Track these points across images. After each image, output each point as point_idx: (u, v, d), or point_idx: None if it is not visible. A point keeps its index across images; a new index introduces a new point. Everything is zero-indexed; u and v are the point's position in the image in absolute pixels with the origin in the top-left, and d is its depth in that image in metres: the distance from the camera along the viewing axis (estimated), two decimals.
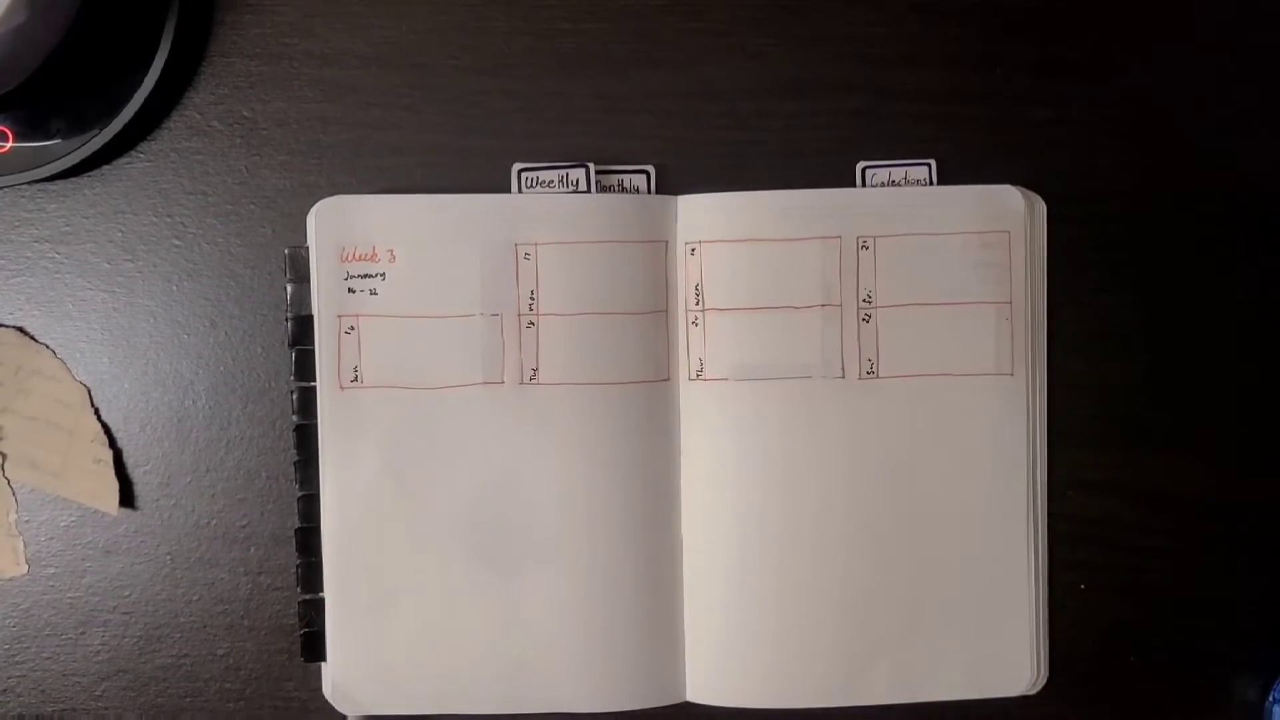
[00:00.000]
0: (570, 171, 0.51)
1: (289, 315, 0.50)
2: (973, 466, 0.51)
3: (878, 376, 0.51)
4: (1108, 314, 0.52)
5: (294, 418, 0.51)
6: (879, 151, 0.51)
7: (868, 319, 0.51)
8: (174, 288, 0.51)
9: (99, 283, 0.51)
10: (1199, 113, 0.52)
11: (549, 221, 0.50)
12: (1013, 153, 0.52)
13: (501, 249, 0.50)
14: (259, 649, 0.52)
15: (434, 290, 0.50)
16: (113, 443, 0.51)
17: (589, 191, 0.51)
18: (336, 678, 0.51)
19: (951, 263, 0.51)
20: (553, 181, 0.51)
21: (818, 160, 0.51)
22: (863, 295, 0.51)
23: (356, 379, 0.50)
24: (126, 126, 0.49)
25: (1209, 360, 0.52)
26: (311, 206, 0.50)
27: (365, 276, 0.50)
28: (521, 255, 0.50)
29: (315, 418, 0.50)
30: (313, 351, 0.50)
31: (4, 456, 0.50)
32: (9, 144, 0.49)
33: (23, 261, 0.51)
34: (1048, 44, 0.52)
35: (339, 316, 0.50)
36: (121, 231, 0.51)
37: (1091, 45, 0.52)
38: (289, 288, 0.50)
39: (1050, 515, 0.52)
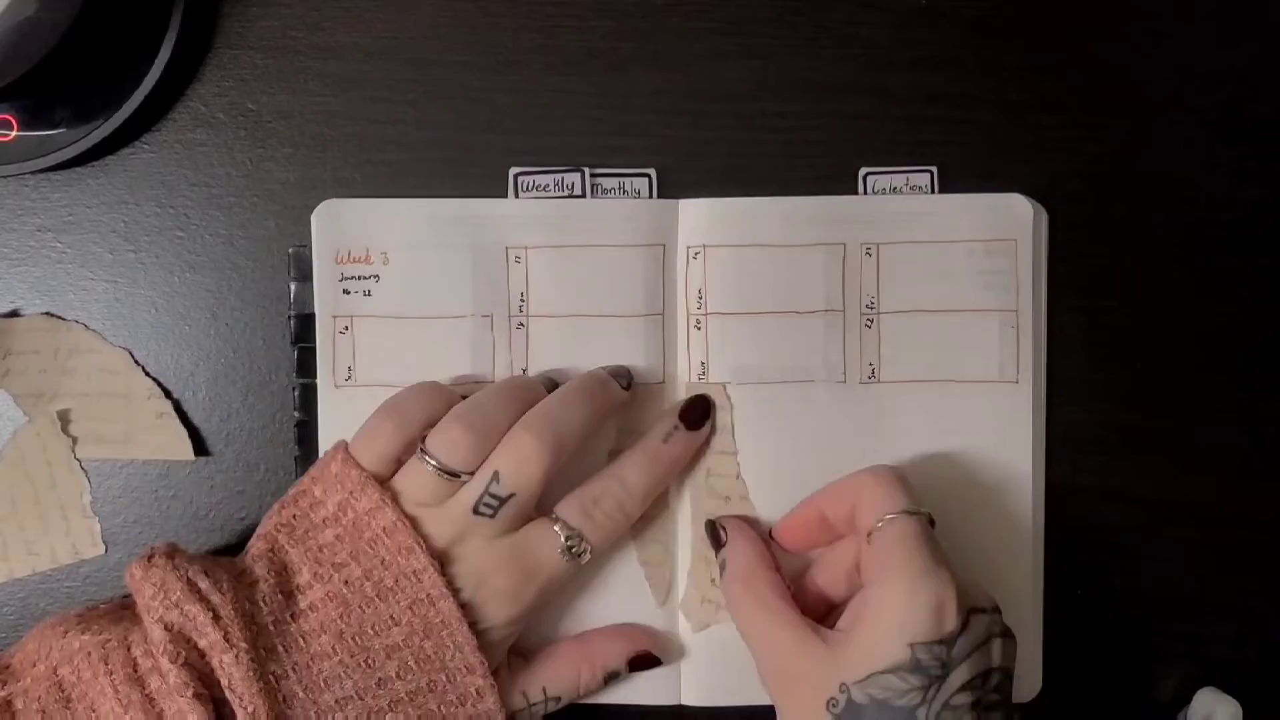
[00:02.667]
0: (565, 175, 0.51)
1: (291, 313, 0.50)
2: (974, 473, 0.51)
3: (880, 381, 0.51)
4: (1106, 319, 0.52)
5: (295, 414, 0.51)
6: (881, 155, 0.52)
7: (870, 324, 0.51)
8: (176, 279, 0.51)
9: (101, 273, 0.51)
10: (1204, 119, 0.52)
11: (540, 226, 0.50)
12: (1015, 158, 0.52)
13: (492, 252, 0.50)
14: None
15: (426, 292, 0.50)
16: (168, 394, 0.51)
17: (584, 195, 0.51)
18: None
19: (956, 270, 0.51)
20: (548, 185, 0.51)
21: (820, 162, 0.52)
22: (865, 301, 0.51)
23: (350, 378, 0.50)
24: (131, 117, 0.49)
25: (1207, 365, 0.53)
26: (315, 200, 0.50)
27: (359, 278, 0.50)
28: (512, 258, 0.50)
29: (316, 414, 0.50)
30: (314, 349, 0.50)
31: (74, 440, 0.50)
32: (13, 133, 0.49)
33: (25, 250, 0.51)
34: (1052, 50, 0.52)
35: (334, 317, 0.50)
36: (124, 222, 0.51)
37: (1095, 51, 0.52)
38: (292, 286, 0.50)
39: (1048, 521, 0.52)
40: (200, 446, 0.51)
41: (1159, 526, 0.53)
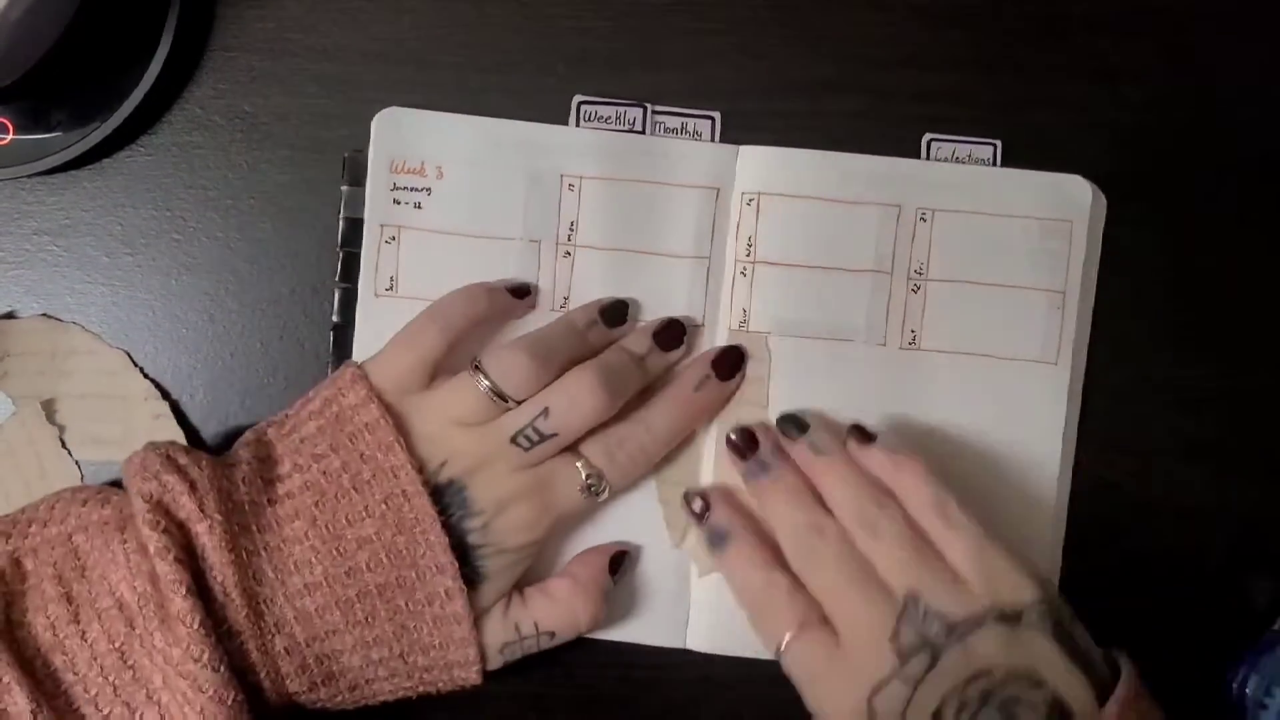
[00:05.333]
0: (628, 109, 0.51)
1: (341, 216, 0.51)
2: (1004, 449, 0.51)
3: (919, 348, 0.51)
4: (1108, 313, 0.52)
5: (333, 317, 0.51)
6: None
7: (917, 290, 0.51)
8: (173, 282, 0.51)
9: (98, 276, 0.51)
10: (1203, 120, 0.52)
11: (598, 156, 0.50)
12: (1013, 155, 0.52)
13: (548, 177, 0.50)
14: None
15: (476, 211, 0.50)
16: (166, 395, 0.51)
17: (643, 132, 0.51)
18: None
19: (1009, 245, 0.51)
20: (610, 117, 0.51)
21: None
22: (915, 266, 0.51)
23: (392, 288, 0.50)
24: (127, 120, 0.49)
25: (1213, 361, 0.52)
26: (312, 203, 0.51)
27: (411, 190, 0.50)
28: (566, 185, 0.50)
29: (353, 320, 0.50)
30: (358, 254, 0.50)
31: (61, 428, 0.50)
32: (9, 136, 0.49)
33: (22, 254, 0.51)
34: (1049, 46, 0.52)
35: (382, 226, 0.50)
36: (121, 225, 0.51)
37: (1094, 47, 0.52)
38: (344, 190, 0.50)
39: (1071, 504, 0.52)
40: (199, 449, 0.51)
41: (1160, 520, 0.53)
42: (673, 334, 0.50)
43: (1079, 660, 0.43)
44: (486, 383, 0.46)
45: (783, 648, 0.45)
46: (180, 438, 0.51)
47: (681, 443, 0.51)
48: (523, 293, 0.50)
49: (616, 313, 0.50)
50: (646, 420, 0.48)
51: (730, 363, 0.50)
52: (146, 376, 0.51)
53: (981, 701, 0.42)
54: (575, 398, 0.46)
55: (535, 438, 0.46)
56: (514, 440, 0.46)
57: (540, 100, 0.51)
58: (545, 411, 0.46)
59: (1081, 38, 0.52)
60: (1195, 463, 0.52)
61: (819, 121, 0.52)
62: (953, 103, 0.52)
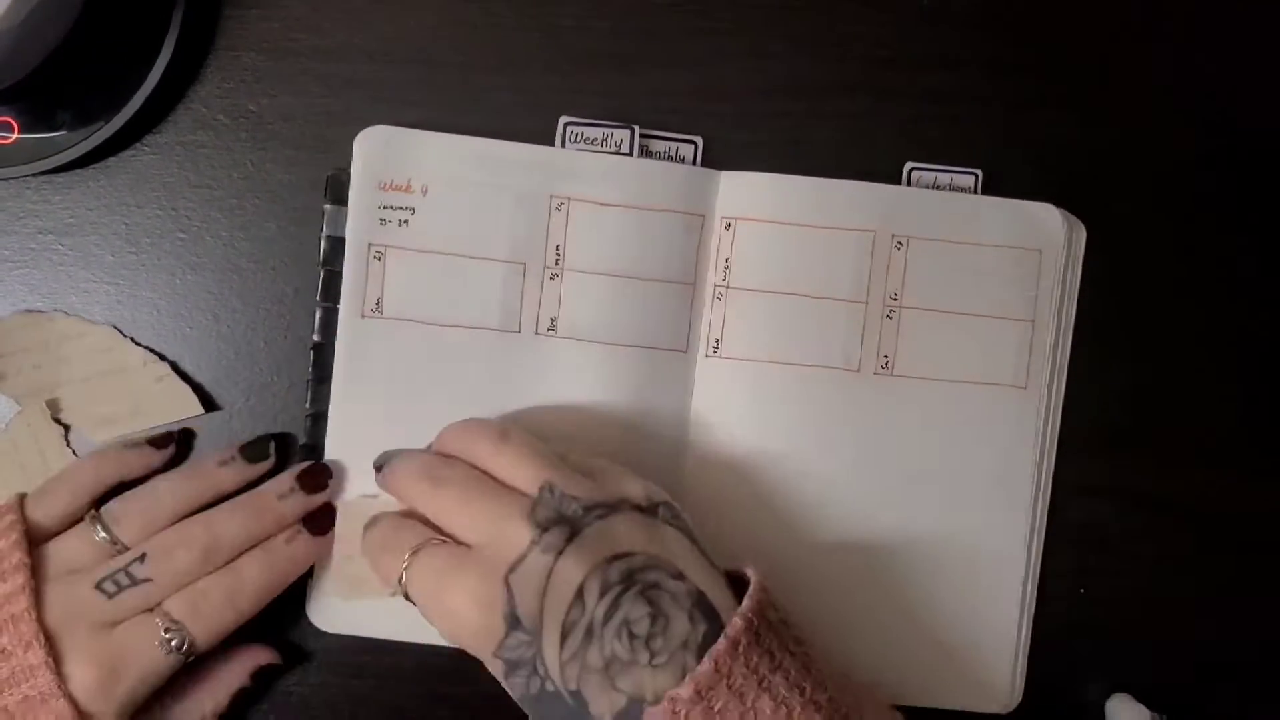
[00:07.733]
0: (615, 131, 0.51)
1: (323, 235, 0.50)
2: (977, 474, 0.51)
3: (892, 374, 0.51)
4: (1107, 319, 0.52)
5: (314, 336, 0.50)
6: (883, 153, 0.52)
7: (891, 316, 0.51)
8: (177, 281, 0.51)
9: (103, 275, 0.51)
10: (1204, 113, 0.53)
11: (586, 178, 0.50)
12: (1016, 157, 0.52)
13: (535, 198, 0.50)
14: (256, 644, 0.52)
15: (462, 230, 0.50)
16: (163, 357, 0.51)
17: (630, 154, 0.51)
18: (319, 591, 0.50)
19: (982, 273, 0.51)
20: (596, 139, 0.51)
21: (822, 161, 0.52)
22: (889, 293, 0.51)
23: (378, 309, 0.50)
24: (132, 119, 0.49)
25: (1208, 365, 0.53)
26: (316, 202, 0.50)
27: (397, 208, 0.50)
28: (554, 206, 0.50)
29: (333, 338, 0.50)
30: (340, 274, 0.50)
31: (66, 428, 0.50)
32: (15, 135, 0.49)
33: (27, 253, 0.51)
34: (1052, 47, 0.52)
35: (369, 244, 0.50)
36: (126, 224, 0.51)
37: (1096, 48, 0.52)
38: (326, 209, 0.50)
39: (1049, 518, 0.52)
40: (208, 402, 0.51)
41: (1160, 524, 0.53)
42: (317, 478, 0.48)
43: (713, 564, 0.43)
44: (103, 532, 0.45)
45: (405, 566, 0.43)
46: (188, 395, 0.51)
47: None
48: (163, 443, 0.49)
49: (258, 450, 0.49)
50: (237, 568, 0.46)
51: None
52: (138, 344, 0.51)
53: (624, 584, 0.40)
54: (171, 546, 0.45)
55: (124, 582, 0.44)
56: (99, 586, 0.44)
57: (542, 100, 0.51)
58: (142, 557, 0.44)
59: (1071, 68, 0.52)
60: (1175, 466, 0.53)
61: (818, 122, 0.52)
62: (949, 103, 0.52)
